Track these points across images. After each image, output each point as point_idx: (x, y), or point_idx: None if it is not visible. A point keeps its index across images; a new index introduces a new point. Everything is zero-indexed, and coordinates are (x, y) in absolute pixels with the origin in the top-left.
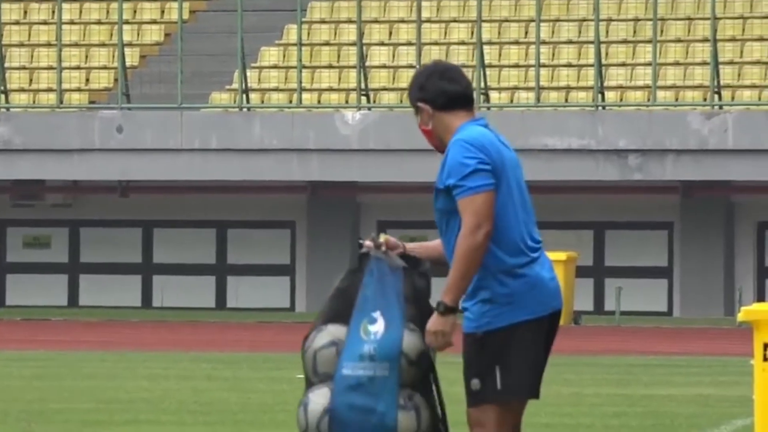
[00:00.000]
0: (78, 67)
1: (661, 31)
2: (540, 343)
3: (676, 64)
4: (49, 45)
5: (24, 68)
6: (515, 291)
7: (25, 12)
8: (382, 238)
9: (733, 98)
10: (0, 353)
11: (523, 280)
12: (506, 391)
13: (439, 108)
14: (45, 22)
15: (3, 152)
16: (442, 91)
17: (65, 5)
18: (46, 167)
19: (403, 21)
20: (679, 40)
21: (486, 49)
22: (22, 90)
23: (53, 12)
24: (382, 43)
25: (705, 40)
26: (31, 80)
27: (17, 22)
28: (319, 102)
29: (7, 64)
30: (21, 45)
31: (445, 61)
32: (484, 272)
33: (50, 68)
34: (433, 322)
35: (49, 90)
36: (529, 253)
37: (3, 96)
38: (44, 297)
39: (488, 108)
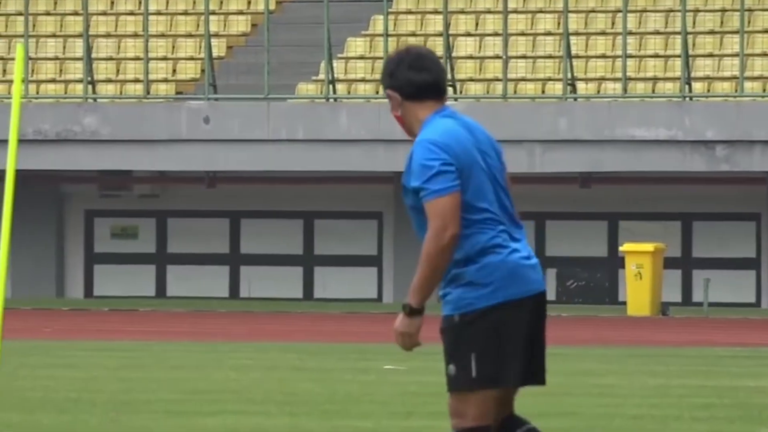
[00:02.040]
0: (165, 58)
1: (749, 22)
2: (522, 327)
3: (764, 54)
4: (136, 36)
5: (111, 59)
6: (492, 272)
7: (112, 3)
8: None
9: None
10: (88, 343)
11: (500, 261)
12: (481, 380)
13: (407, 97)
14: (132, 13)
15: (90, 143)
16: (410, 81)
17: None
18: (133, 158)
19: (489, 12)
20: (766, 31)
21: (573, 39)
22: (110, 81)
23: (140, 3)
24: (468, 34)
25: None
26: (118, 71)
27: (104, 13)
28: None
29: (94, 55)
30: (108, 36)
31: (418, 48)
32: (461, 255)
33: (137, 59)
34: (400, 323)
35: (136, 81)
36: (506, 234)
37: (90, 87)
38: (132, 287)
39: (575, 99)
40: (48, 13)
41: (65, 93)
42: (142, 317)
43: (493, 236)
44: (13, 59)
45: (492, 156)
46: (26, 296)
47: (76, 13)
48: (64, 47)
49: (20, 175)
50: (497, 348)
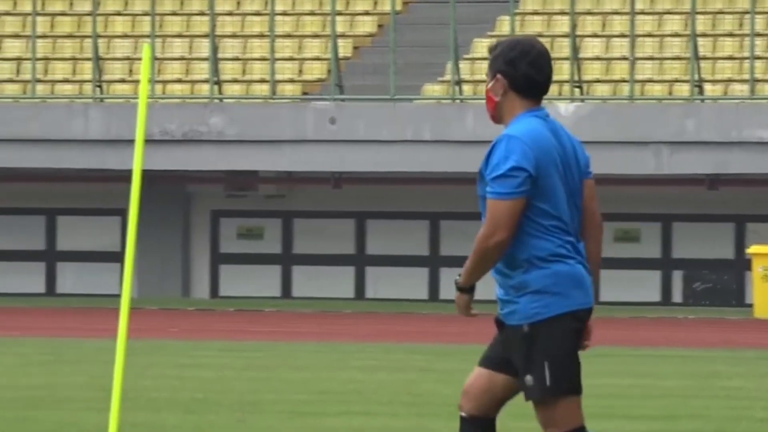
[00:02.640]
0: (291, 59)
1: None
2: (580, 337)
3: None
4: (261, 36)
5: (237, 59)
6: (561, 280)
7: (239, 3)
8: None
9: None
10: (214, 343)
11: (569, 270)
12: (556, 388)
13: (515, 89)
14: (258, 13)
15: (217, 143)
16: (527, 77)
17: None
18: (259, 158)
19: (616, 13)
20: None
21: (700, 41)
22: (236, 81)
23: (266, 3)
24: (595, 35)
25: None
26: (244, 71)
27: (230, 13)
28: None
29: (220, 55)
30: (234, 36)
31: (539, 45)
32: (524, 256)
33: (263, 59)
34: (456, 295)
35: (262, 81)
36: (571, 246)
37: (216, 87)
38: (257, 288)
39: (702, 100)
40: (174, 14)
41: (191, 93)
42: (268, 317)
43: (560, 245)
44: (139, 59)
45: (573, 165)
46: (152, 296)
47: (202, 13)
48: (191, 47)
49: (147, 175)
50: (568, 355)
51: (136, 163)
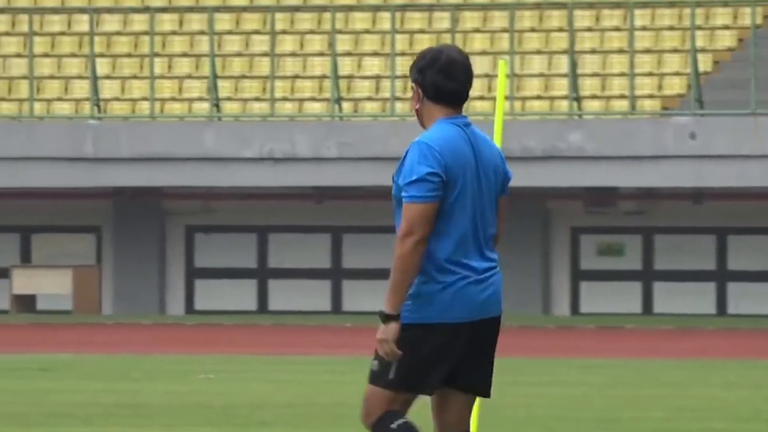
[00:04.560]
0: (650, 74)
1: None
2: (454, 347)
3: None
4: (621, 52)
5: (596, 75)
6: (436, 293)
7: (597, 19)
8: None
9: None
10: (574, 361)
11: (448, 286)
12: (395, 382)
13: (428, 97)
14: (617, 29)
15: (576, 159)
16: (434, 85)
17: (637, 11)
18: (618, 174)
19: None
20: None
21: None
22: (595, 97)
23: (625, 18)
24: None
25: None
26: (603, 87)
27: (589, 29)
28: None
29: (579, 71)
30: (593, 52)
31: (453, 52)
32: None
33: (622, 75)
34: (379, 332)
35: (621, 97)
36: (465, 261)
37: (576, 103)
38: (618, 304)
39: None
40: (533, 30)
41: (551, 110)
42: (629, 334)
43: (450, 259)
44: (497, 76)
45: (487, 177)
46: (512, 313)
47: (561, 30)
48: (550, 64)
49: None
50: (420, 359)
51: None
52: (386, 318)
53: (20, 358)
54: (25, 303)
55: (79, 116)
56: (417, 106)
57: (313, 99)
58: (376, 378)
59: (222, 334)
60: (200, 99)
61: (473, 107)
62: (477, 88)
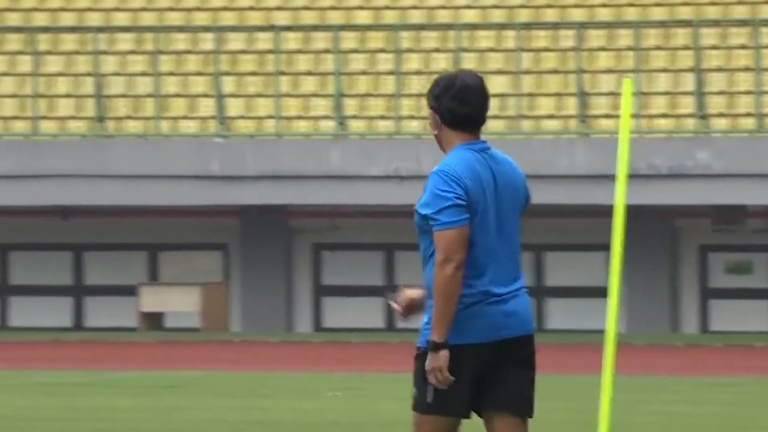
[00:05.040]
0: None
1: None
2: (474, 368)
3: None
4: (747, 70)
5: (723, 93)
6: (457, 316)
7: (723, 37)
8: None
9: None
10: (702, 379)
11: (467, 307)
12: (434, 406)
13: (445, 123)
14: (743, 47)
15: (704, 177)
16: (450, 111)
17: (764, 29)
18: (746, 192)
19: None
20: None
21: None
22: (722, 115)
23: (751, 36)
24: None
25: None
26: (730, 105)
27: (715, 47)
28: None
29: (706, 89)
30: (720, 70)
31: (467, 77)
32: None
33: (749, 92)
34: (429, 360)
35: (747, 115)
36: (487, 284)
37: (702, 121)
38: (747, 323)
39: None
40: (659, 48)
41: (677, 128)
42: (757, 352)
43: (470, 280)
44: (622, 94)
45: (506, 197)
46: (641, 331)
47: (686, 48)
48: (675, 82)
49: (632, 209)
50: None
51: (619, 197)
52: (435, 347)
53: (148, 375)
54: (153, 321)
55: (205, 134)
56: (436, 132)
57: None
58: (416, 405)
59: (350, 351)
60: (326, 117)
61: (598, 125)
62: (602, 105)
